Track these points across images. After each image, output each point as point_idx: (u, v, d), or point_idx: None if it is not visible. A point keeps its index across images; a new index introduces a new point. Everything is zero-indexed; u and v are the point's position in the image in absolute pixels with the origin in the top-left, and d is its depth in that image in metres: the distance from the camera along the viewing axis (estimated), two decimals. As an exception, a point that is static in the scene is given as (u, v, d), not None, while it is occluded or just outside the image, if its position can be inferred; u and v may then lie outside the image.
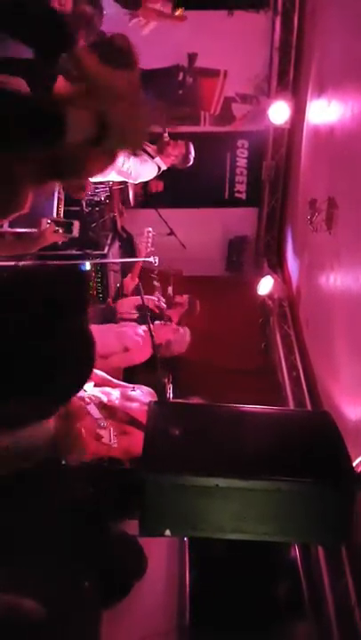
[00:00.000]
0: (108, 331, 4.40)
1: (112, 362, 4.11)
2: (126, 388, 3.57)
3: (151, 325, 4.19)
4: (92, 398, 3.08)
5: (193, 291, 5.58)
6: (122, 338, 4.34)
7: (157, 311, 4.72)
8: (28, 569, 1.57)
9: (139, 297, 4.62)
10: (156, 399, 3.46)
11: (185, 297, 5.43)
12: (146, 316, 4.29)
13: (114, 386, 3.63)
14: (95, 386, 3.42)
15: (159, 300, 4.74)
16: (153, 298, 4.82)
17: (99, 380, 3.58)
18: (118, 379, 4.15)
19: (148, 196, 6.37)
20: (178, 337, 4.52)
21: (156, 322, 4.40)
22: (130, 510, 1.98)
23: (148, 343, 4.34)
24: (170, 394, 4.83)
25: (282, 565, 3.98)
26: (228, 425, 2.09)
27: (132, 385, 3.73)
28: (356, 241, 3.82)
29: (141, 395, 3.48)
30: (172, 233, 6.61)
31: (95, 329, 4.91)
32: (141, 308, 4.41)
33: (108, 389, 3.43)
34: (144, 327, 4.48)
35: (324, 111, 4.93)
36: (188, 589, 3.48)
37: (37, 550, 1.59)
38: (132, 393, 3.50)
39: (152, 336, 4.13)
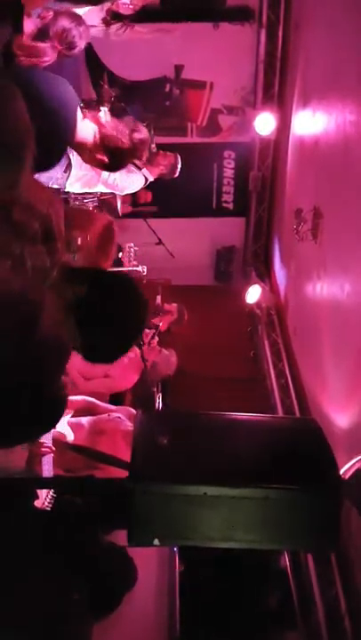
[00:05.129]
0: None
1: (93, 386, 4.05)
2: (106, 414, 3.47)
3: (140, 350, 4.19)
4: (55, 439, 2.88)
5: (181, 300, 5.60)
6: None
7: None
8: (14, 582, 1.56)
9: None
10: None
11: (174, 305, 5.44)
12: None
13: (100, 410, 3.53)
14: (75, 414, 3.30)
15: (150, 334, 4.70)
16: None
17: (81, 406, 3.47)
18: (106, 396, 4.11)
19: (136, 207, 6.40)
20: (162, 358, 4.51)
21: (143, 347, 4.36)
22: (118, 520, 1.98)
23: (134, 369, 4.33)
24: (159, 403, 4.83)
25: (272, 575, 3.98)
26: (216, 433, 2.10)
27: (115, 407, 3.66)
28: (341, 250, 3.87)
29: (119, 421, 3.36)
30: (160, 242, 6.65)
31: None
32: None
33: (83, 420, 3.31)
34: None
35: (308, 122, 5.01)
36: (178, 600, 3.46)
37: (24, 563, 1.58)
38: (113, 415, 3.41)
39: (144, 360, 4.14)
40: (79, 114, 1.91)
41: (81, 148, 2.03)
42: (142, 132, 2.37)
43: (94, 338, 1.36)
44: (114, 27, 4.31)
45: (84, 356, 1.43)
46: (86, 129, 1.98)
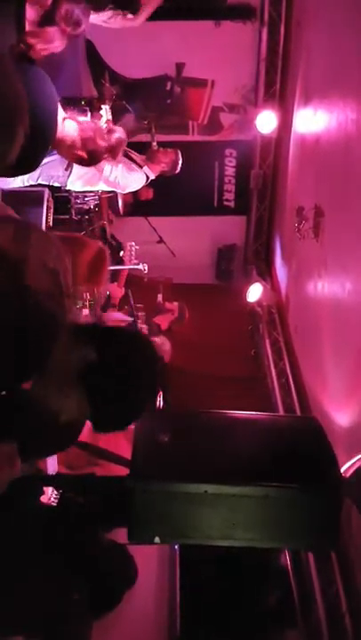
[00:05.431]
0: None
1: None
2: None
3: None
4: None
5: (182, 298, 5.60)
6: None
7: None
8: (14, 582, 1.56)
9: (125, 313, 4.64)
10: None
11: (175, 304, 5.44)
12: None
13: None
14: None
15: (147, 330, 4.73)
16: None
17: None
18: None
19: (137, 205, 6.39)
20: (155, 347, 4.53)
21: None
22: (119, 519, 1.97)
23: None
24: (159, 402, 4.83)
25: (273, 574, 3.98)
26: (217, 432, 2.10)
27: None
28: (342, 248, 3.87)
29: None
30: (161, 241, 6.64)
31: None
32: (133, 327, 4.43)
33: None
34: None
35: (310, 120, 5.00)
36: (178, 599, 3.46)
37: (24, 563, 1.57)
38: None
39: None
40: (61, 112, 1.94)
41: (60, 146, 2.07)
42: (119, 132, 2.43)
43: (106, 405, 1.28)
44: (109, 12, 4.30)
45: (96, 426, 1.37)
46: (67, 128, 2.03)
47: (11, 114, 1.08)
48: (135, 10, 4.41)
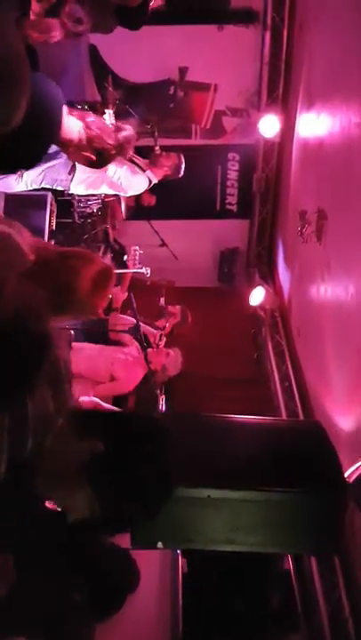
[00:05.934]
0: (98, 356, 4.41)
1: (99, 390, 4.15)
2: None
3: (145, 352, 4.24)
4: None
5: (185, 301, 5.60)
6: (111, 365, 4.37)
7: (151, 337, 4.73)
8: (15, 582, 1.56)
9: (130, 316, 4.66)
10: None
11: (177, 307, 5.45)
12: (138, 334, 4.34)
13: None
14: None
15: (158, 335, 4.74)
16: (152, 331, 4.85)
17: (88, 407, 3.53)
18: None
19: (140, 208, 6.41)
20: (171, 360, 4.57)
21: (149, 349, 4.43)
22: (121, 522, 1.96)
23: (139, 367, 4.38)
24: (162, 405, 4.83)
25: (275, 577, 3.97)
26: (220, 435, 2.10)
27: (118, 410, 3.74)
28: (345, 251, 3.87)
29: None
30: (164, 244, 6.66)
31: (86, 352, 4.90)
32: (135, 330, 4.45)
33: None
34: (136, 349, 4.51)
35: (313, 124, 5.00)
36: (180, 601, 3.45)
37: (24, 563, 1.57)
38: None
39: (148, 363, 4.18)
40: (65, 110, 1.92)
41: (66, 146, 2.03)
42: (127, 130, 2.39)
43: (115, 504, 1.14)
44: None
45: (107, 525, 1.24)
46: (72, 126, 1.98)
47: (13, 80, 1.04)
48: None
